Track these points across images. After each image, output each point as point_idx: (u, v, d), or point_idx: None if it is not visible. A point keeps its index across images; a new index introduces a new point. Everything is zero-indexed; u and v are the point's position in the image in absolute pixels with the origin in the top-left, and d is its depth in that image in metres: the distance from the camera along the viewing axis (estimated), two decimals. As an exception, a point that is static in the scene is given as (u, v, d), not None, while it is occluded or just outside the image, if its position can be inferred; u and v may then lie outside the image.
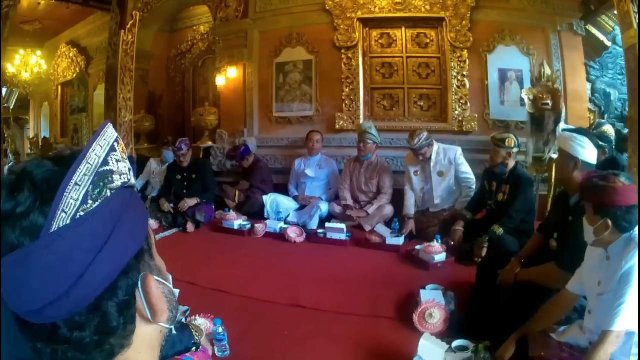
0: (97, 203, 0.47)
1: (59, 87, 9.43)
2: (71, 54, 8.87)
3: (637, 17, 3.51)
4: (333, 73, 5.74)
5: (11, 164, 8.38)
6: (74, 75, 8.85)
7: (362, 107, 5.70)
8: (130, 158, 0.54)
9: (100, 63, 7.55)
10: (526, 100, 4.56)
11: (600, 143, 2.96)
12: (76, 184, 0.46)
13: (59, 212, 0.45)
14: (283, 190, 5.33)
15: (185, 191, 4.99)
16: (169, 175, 5.15)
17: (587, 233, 1.72)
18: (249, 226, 4.55)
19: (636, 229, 1.60)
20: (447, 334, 2.33)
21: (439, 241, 3.56)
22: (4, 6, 5.60)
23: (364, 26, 5.70)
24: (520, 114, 5.05)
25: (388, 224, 4.33)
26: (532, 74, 4.86)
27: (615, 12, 4.09)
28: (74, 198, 0.45)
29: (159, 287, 0.55)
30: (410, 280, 3.11)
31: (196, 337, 1.75)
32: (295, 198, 5.18)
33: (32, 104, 10.86)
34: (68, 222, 0.45)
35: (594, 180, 1.65)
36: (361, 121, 5.48)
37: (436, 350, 2.11)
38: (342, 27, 5.62)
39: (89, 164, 0.47)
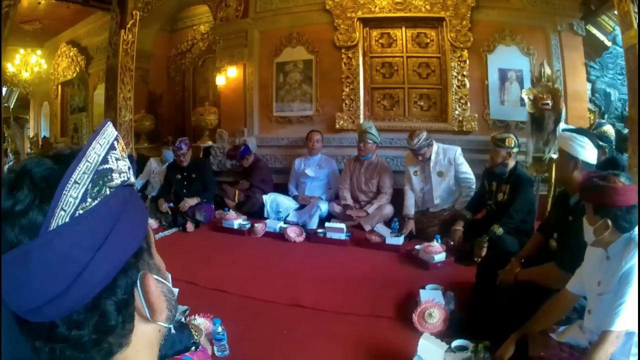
0: (96, 201, 0.47)
1: (59, 86, 9.43)
2: (71, 54, 8.87)
3: (637, 17, 3.51)
4: (333, 73, 5.74)
5: (11, 163, 8.38)
6: (74, 75, 8.85)
7: (362, 107, 5.70)
8: (130, 157, 0.54)
9: (101, 62, 7.55)
10: (526, 100, 4.56)
11: (600, 143, 2.96)
12: (75, 182, 0.46)
13: (58, 210, 0.44)
14: (283, 189, 5.33)
15: (185, 191, 4.99)
16: (169, 175, 5.15)
17: (587, 233, 1.72)
18: (248, 226, 4.54)
19: (636, 229, 1.60)
20: (446, 334, 2.33)
21: (439, 241, 3.56)
22: (4, 5, 5.60)
23: (364, 26, 5.70)
24: (520, 114, 5.04)
25: (388, 223, 4.33)
26: (532, 74, 4.86)
27: (616, 12, 4.09)
28: (73, 196, 0.45)
29: (158, 286, 0.55)
30: (409, 280, 3.11)
31: (195, 337, 1.75)
32: (295, 198, 5.18)
33: (32, 104, 10.86)
34: (67, 220, 0.45)
35: (594, 180, 1.65)
36: (361, 121, 5.48)
37: (436, 350, 2.11)
38: (342, 26, 5.62)
39: (89, 162, 0.47)
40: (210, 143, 6.66)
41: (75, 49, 8.76)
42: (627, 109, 4.95)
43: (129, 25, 6.06)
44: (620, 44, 4.78)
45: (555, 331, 1.85)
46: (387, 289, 3.01)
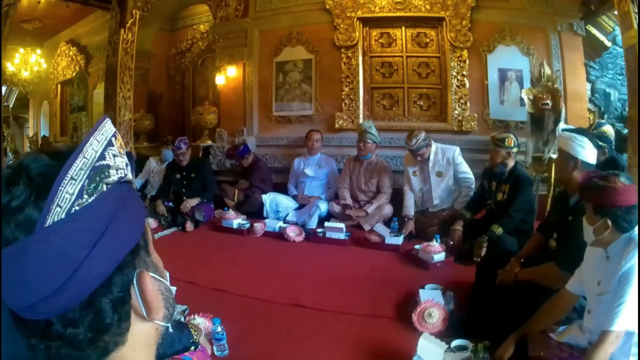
0: (92, 198, 0.46)
1: (59, 85, 9.42)
2: (71, 53, 8.86)
3: (637, 18, 3.50)
4: (333, 72, 5.74)
5: (10, 162, 8.36)
6: (74, 74, 8.84)
7: (361, 107, 5.70)
8: (128, 154, 0.54)
9: (100, 62, 7.54)
10: (526, 100, 4.56)
11: (600, 143, 2.96)
12: (72, 178, 0.45)
13: (54, 207, 0.44)
14: (282, 189, 5.33)
15: (184, 190, 4.98)
16: (168, 174, 5.14)
17: (586, 233, 1.72)
18: (248, 225, 4.54)
19: (636, 228, 1.60)
20: (446, 334, 2.33)
21: (438, 241, 3.56)
22: (3, 5, 5.59)
23: (364, 25, 5.70)
24: (520, 114, 5.05)
25: (387, 223, 4.33)
26: (532, 74, 4.86)
27: (616, 12, 4.09)
28: (69, 192, 0.45)
29: (154, 284, 0.54)
30: (409, 280, 3.11)
31: (195, 337, 1.75)
32: (294, 197, 5.17)
33: (32, 103, 10.85)
34: (63, 216, 0.44)
35: (594, 180, 1.65)
36: (361, 120, 5.48)
37: (435, 350, 2.11)
38: (342, 26, 5.62)
39: (86, 158, 0.47)
40: (209, 142, 6.66)
41: (75, 48, 8.75)
42: (626, 109, 4.95)
43: (128, 25, 6.04)
44: (620, 44, 4.78)
45: (554, 331, 1.85)
46: (386, 288, 3.00)
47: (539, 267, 2.24)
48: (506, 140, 3.54)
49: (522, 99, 4.77)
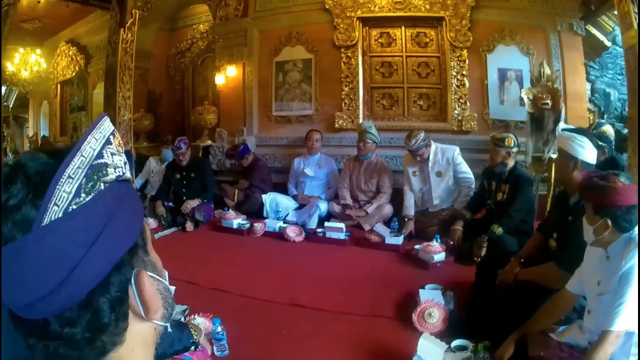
0: (90, 196, 0.46)
1: (59, 85, 9.41)
2: (71, 53, 8.85)
3: (637, 18, 3.50)
4: (332, 72, 5.74)
5: (10, 162, 8.36)
6: (74, 74, 8.83)
7: (361, 106, 5.70)
8: (127, 152, 0.54)
9: (100, 61, 7.53)
10: (526, 100, 4.56)
11: (600, 143, 2.96)
12: (69, 176, 0.45)
13: (51, 205, 0.44)
14: (282, 189, 5.33)
15: (184, 190, 4.98)
16: (168, 175, 5.14)
17: (586, 233, 1.72)
18: (248, 225, 4.54)
19: (636, 228, 1.60)
20: (446, 334, 2.33)
21: (438, 240, 3.56)
22: (3, 4, 5.58)
23: (364, 25, 5.70)
24: (520, 114, 5.05)
25: (387, 223, 4.33)
26: (531, 74, 4.86)
27: (615, 12, 4.09)
28: (66, 191, 0.45)
29: (153, 284, 0.54)
30: (409, 280, 3.11)
31: (195, 337, 1.75)
32: (294, 197, 5.17)
33: (32, 103, 10.84)
34: (60, 215, 0.44)
35: (594, 180, 1.65)
36: (360, 120, 5.48)
37: (435, 350, 2.11)
38: (341, 26, 5.62)
39: (83, 156, 0.46)
40: (209, 142, 6.66)
41: (75, 47, 8.74)
42: (626, 109, 4.95)
43: (128, 24, 6.04)
44: (620, 44, 4.78)
45: (554, 331, 1.85)
46: (386, 288, 3.00)
47: (539, 267, 2.24)
48: (506, 140, 3.54)
49: (522, 99, 4.77)
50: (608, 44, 6.04)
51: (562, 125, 4.09)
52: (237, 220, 4.63)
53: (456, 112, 5.36)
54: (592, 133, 2.91)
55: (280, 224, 4.53)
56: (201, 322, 2.41)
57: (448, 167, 4.28)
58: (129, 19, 6.02)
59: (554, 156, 3.83)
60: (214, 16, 6.40)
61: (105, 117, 0.52)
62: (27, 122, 11.56)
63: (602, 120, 4.79)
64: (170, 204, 4.94)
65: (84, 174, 0.46)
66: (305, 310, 2.78)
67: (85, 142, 0.47)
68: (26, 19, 7.95)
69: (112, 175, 0.49)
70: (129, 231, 0.51)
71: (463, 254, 3.50)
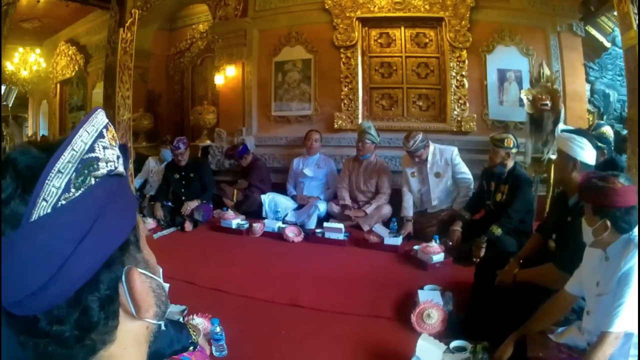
0: (80, 191, 0.45)
1: (58, 85, 9.40)
2: (70, 52, 8.85)
3: (637, 18, 3.50)
4: (332, 72, 5.74)
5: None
6: (73, 73, 8.83)
7: (360, 107, 5.70)
8: (122, 146, 0.52)
9: (99, 61, 7.52)
10: (525, 101, 4.56)
11: (599, 144, 2.96)
12: (59, 171, 0.44)
13: (40, 201, 0.43)
14: (281, 189, 5.32)
15: (183, 190, 4.98)
16: (167, 174, 5.13)
17: (585, 234, 1.72)
18: (247, 225, 4.54)
19: (635, 229, 1.60)
20: (445, 335, 2.33)
21: (437, 241, 3.55)
22: (3, 4, 5.58)
23: (363, 25, 5.70)
24: (519, 115, 5.05)
25: (386, 223, 4.32)
26: (531, 75, 4.87)
27: (615, 13, 4.09)
28: (55, 186, 0.44)
29: (145, 282, 0.53)
30: (408, 281, 3.11)
31: (194, 337, 1.75)
32: (293, 197, 5.17)
33: (31, 102, 10.82)
34: (49, 210, 0.43)
35: (593, 181, 1.65)
36: (360, 120, 5.48)
37: (434, 351, 2.11)
38: (341, 26, 5.62)
39: (74, 150, 0.45)
40: (208, 142, 6.66)
41: (74, 47, 8.73)
42: (626, 109, 4.95)
43: (127, 24, 6.03)
44: (620, 45, 4.78)
45: (553, 332, 1.85)
46: (385, 289, 3.00)
47: (538, 267, 2.24)
48: (505, 140, 3.54)
49: (521, 100, 4.77)
50: (607, 44, 6.04)
51: (561, 126, 4.12)
52: (236, 221, 4.62)
53: (455, 112, 5.36)
54: (592, 134, 2.91)
55: (279, 224, 4.52)
56: (200, 322, 2.40)
57: (447, 168, 4.28)
58: (128, 18, 6.01)
59: (553, 157, 3.83)
60: (214, 16, 6.40)
61: (99, 110, 0.51)
62: (26, 122, 11.54)
63: (602, 121, 4.80)
64: (169, 203, 4.93)
65: (74, 168, 0.45)
66: (304, 310, 2.78)
67: (77, 135, 0.46)
68: (26, 19, 7.94)
69: (103, 169, 0.47)
70: (120, 227, 0.50)
71: (462, 255, 3.50)
